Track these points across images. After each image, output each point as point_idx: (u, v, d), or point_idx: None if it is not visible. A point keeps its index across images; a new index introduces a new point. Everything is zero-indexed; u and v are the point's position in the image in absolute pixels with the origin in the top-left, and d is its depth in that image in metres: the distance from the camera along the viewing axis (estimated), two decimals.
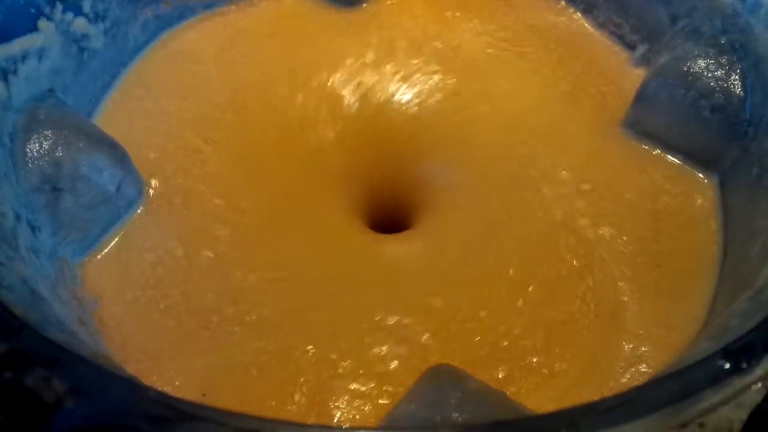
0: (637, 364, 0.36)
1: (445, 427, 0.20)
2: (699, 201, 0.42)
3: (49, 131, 0.38)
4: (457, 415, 0.27)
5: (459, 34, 0.51)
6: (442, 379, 0.30)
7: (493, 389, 0.30)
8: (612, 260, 0.39)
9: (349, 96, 0.48)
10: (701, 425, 0.21)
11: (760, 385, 0.22)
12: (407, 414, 0.29)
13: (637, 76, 0.47)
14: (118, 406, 0.22)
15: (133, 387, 0.22)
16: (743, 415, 0.22)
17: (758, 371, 0.21)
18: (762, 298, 0.29)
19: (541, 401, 0.34)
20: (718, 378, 0.22)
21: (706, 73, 0.41)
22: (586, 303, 0.38)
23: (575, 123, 0.46)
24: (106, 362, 0.27)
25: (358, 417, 0.34)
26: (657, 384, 0.22)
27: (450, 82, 0.48)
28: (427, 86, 0.48)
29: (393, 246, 0.42)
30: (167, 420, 0.21)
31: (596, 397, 0.34)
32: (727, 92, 0.41)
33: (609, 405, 0.21)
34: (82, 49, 0.44)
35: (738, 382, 0.21)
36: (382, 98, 0.48)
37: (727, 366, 0.22)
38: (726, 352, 0.22)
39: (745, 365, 0.22)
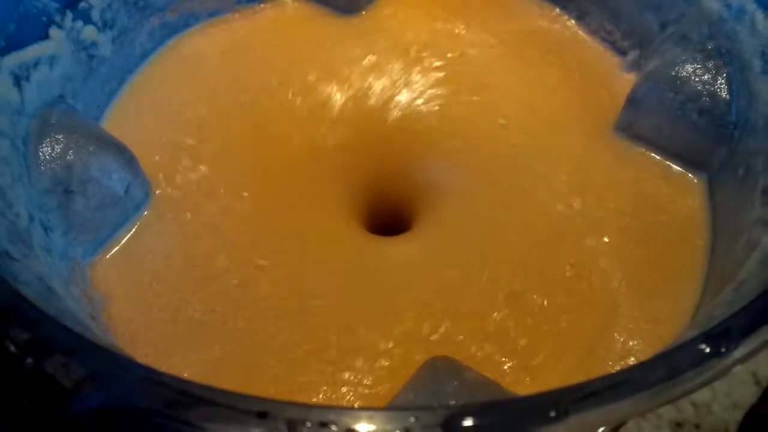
0: (627, 357, 0.37)
1: (442, 408, 0.21)
2: (688, 200, 0.43)
3: (61, 135, 0.39)
4: (453, 402, 0.29)
5: (456, 40, 0.52)
6: (439, 370, 0.31)
7: (489, 379, 0.31)
8: (604, 258, 0.41)
9: (348, 100, 0.49)
10: (697, 426, 0.22)
11: (739, 367, 0.23)
12: (407, 402, 0.30)
13: (628, 80, 0.48)
14: (134, 390, 0.23)
15: (147, 372, 0.24)
16: (738, 416, 0.23)
17: (736, 354, 0.23)
18: (744, 290, 0.30)
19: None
20: (700, 361, 0.23)
21: (693, 78, 0.42)
22: (578, 300, 0.39)
23: (570, 126, 0.47)
24: (120, 352, 0.28)
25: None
26: (642, 367, 0.23)
27: (447, 87, 0.49)
28: (425, 91, 0.49)
29: (391, 248, 0.43)
30: (181, 403, 0.23)
31: None
32: (713, 96, 0.42)
33: (596, 387, 0.22)
34: (91, 56, 0.45)
35: (718, 365, 0.23)
36: (381, 103, 0.49)
37: (708, 350, 0.23)
38: (706, 337, 0.23)
39: (723, 349, 0.23)
